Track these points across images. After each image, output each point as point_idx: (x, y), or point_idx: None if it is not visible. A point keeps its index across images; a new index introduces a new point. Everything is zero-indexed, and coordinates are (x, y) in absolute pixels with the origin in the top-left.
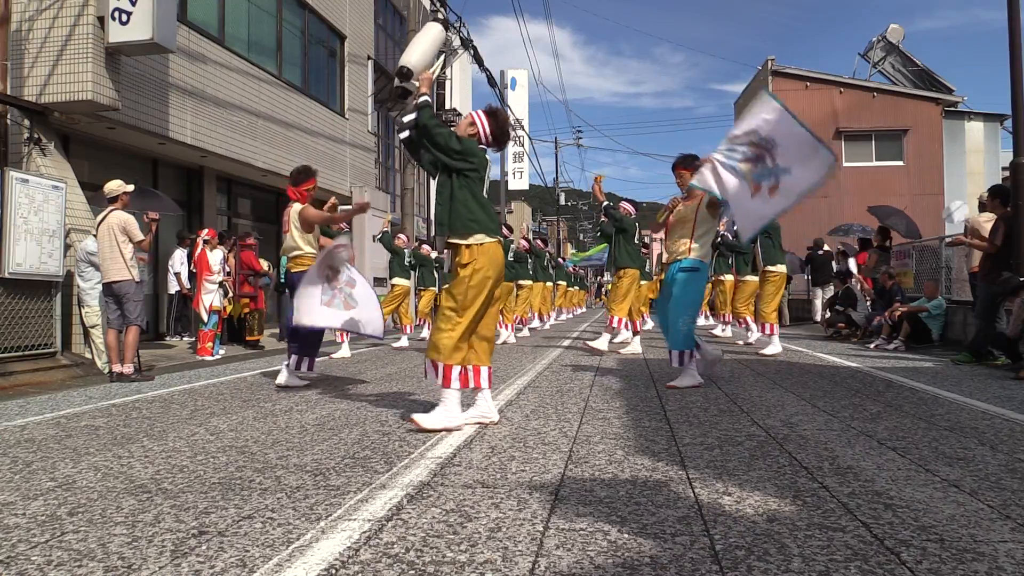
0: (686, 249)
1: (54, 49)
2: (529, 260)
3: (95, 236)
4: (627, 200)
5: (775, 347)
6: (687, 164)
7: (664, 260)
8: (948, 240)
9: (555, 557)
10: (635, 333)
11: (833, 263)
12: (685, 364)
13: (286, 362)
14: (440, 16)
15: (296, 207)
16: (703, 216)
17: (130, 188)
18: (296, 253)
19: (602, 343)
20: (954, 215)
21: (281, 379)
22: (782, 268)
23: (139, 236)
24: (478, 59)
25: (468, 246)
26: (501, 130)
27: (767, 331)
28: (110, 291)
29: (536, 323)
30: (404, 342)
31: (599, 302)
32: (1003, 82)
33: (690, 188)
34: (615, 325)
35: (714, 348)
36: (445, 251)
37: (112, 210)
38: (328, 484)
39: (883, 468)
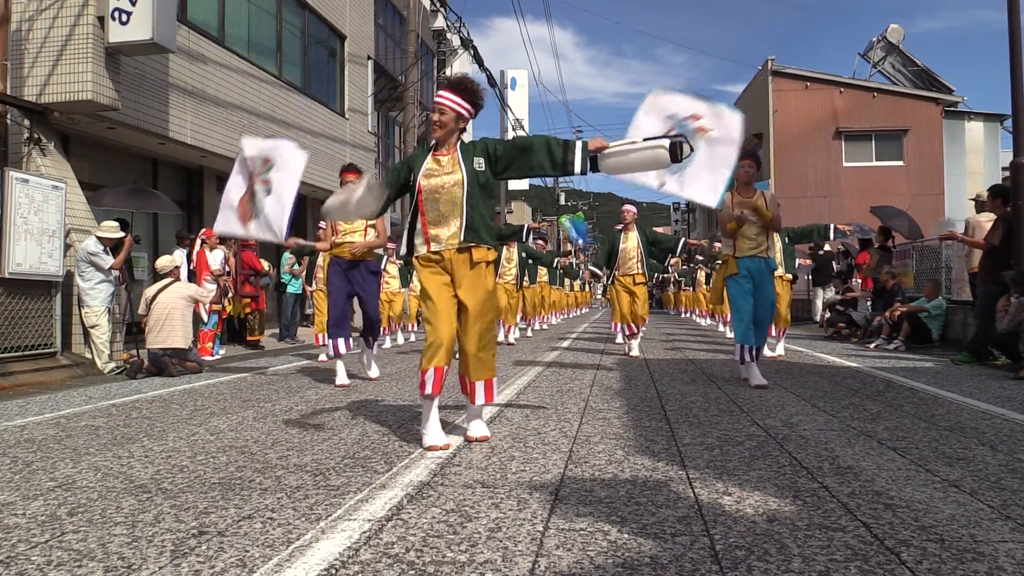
0: (767, 247)
1: (54, 49)
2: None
3: (98, 238)
4: (628, 201)
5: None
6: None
7: (734, 253)
8: (941, 234)
9: (555, 557)
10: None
11: (833, 263)
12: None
13: (365, 357)
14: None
15: None
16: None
17: (181, 262)
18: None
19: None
20: (944, 227)
21: (373, 372)
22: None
23: (208, 297)
24: (478, 59)
25: None
26: (472, 98)
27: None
28: (157, 352)
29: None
30: (400, 340)
31: (605, 302)
32: (1003, 82)
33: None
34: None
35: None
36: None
37: (171, 282)
38: (328, 484)
39: (883, 468)
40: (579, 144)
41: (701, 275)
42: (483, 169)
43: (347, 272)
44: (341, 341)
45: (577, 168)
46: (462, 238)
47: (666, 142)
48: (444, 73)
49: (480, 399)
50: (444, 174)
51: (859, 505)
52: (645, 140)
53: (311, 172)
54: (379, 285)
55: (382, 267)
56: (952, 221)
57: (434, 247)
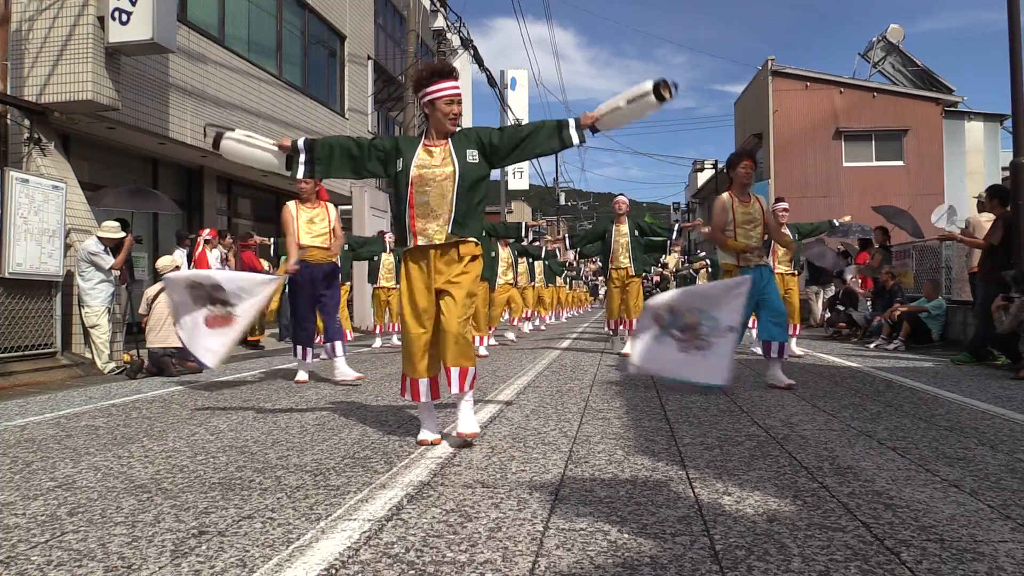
0: (765, 255)
1: (54, 49)
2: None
3: (99, 239)
4: (622, 195)
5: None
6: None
7: (738, 263)
8: (941, 235)
9: (555, 557)
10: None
11: None
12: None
13: (339, 363)
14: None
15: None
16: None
17: (180, 262)
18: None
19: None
20: (944, 219)
21: (351, 374)
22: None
23: None
24: (478, 59)
25: None
26: (429, 75)
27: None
28: (157, 352)
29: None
30: (378, 343)
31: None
32: (1003, 82)
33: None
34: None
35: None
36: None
37: None
38: (328, 484)
39: (883, 468)
40: (572, 123)
41: (702, 277)
42: (476, 161)
43: (311, 278)
44: (309, 349)
45: (575, 142)
46: (449, 231)
47: (649, 85)
48: None
49: (456, 387)
50: (435, 166)
51: (859, 505)
52: (630, 102)
53: None
54: (339, 291)
55: (379, 259)
56: (954, 209)
57: (421, 241)
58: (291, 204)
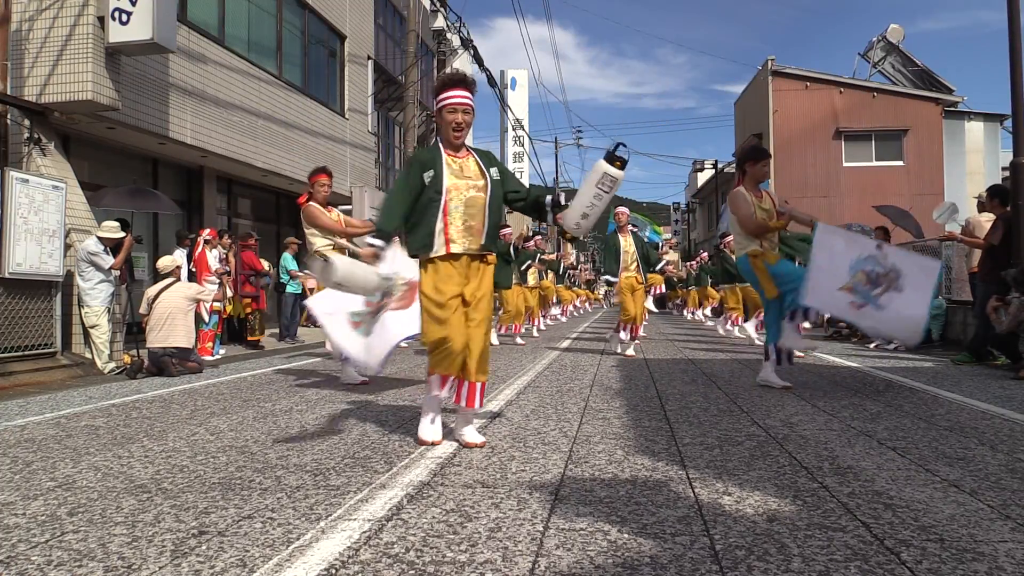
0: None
1: (54, 49)
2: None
3: (98, 238)
4: (623, 202)
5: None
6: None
7: (761, 252)
8: (942, 236)
9: (555, 557)
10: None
11: None
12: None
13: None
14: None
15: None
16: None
17: (180, 262)
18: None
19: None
20: (945, 215)
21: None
22: None
23: (210, 296)
24: (478, 59)
25: None
26: (474, 89)
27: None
28: (157, 352)
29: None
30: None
31: (604, 302)
32: (1003, 82)
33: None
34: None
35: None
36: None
37: (173, 282)
38: (328, 484)
39: (883, 468)
40: (548, 204)
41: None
42: (499, 179)
43: None
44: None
45: (547, 214)
46: (483, 242)
47: (600, 163)
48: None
49: (477, 402)
50: (467, 177)
51: (859, 505)
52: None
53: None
54: None
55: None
56: (955, 206)
57: (455, 248)
58: (314, 205)
